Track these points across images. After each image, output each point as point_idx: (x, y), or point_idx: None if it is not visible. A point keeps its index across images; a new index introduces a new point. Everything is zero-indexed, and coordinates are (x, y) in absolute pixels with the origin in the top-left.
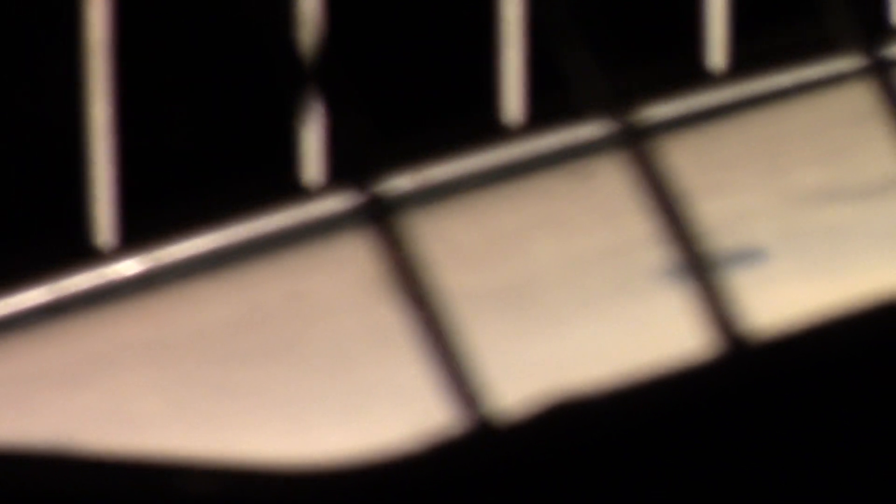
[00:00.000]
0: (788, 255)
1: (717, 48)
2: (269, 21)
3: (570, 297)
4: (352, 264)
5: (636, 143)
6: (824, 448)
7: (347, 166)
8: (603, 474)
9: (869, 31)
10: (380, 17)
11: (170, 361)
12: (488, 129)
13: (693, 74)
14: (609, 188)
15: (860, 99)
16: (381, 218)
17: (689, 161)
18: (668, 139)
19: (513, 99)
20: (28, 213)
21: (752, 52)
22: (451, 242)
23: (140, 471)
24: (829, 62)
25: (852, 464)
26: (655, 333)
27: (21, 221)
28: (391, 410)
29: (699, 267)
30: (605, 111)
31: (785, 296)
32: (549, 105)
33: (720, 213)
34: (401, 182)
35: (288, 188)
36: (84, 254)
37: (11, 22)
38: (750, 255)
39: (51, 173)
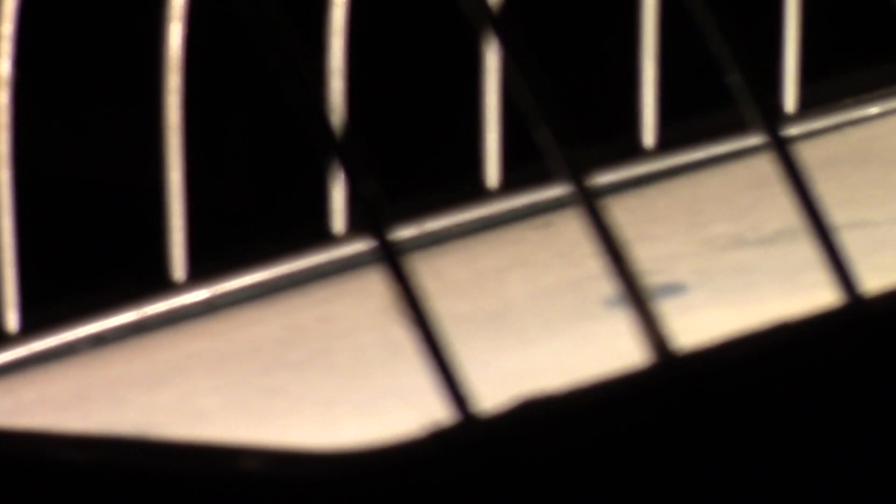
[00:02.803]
0: (704, 289)
1: (649, 130)
2: (307, 109)
3: (537, 320)
4: (369, 294)
5: (588, 202)
6: (731, 432)
7: (365, 219)
8: (562, 455)
9: (769, 115)
10: (390, 106)
11: (228, 368)
12: (473, 191)
13: (631, 150)
14: (567, 236)
15: (763, 168)
16: (391, 259)
17: (628, 216)
18: (612, 199)
19: (492, 168)
20: (120, 254)
21: (676, 133)
22: (444, 278)
23: (204, 453)
24: (738, 139)
25: (754, 445)
26: (604, 348)
27: (114, 261)
28: (400, 407)
29: (636, 297)
30: (564, 177)
31: (701, 320)
32: (520, 172)
33: (651, 256)
34: (406, 231)
35: (319, 235)
36: (162, 285)
37: (107, 113)
38: (674, 289)
39: (136, 224)
